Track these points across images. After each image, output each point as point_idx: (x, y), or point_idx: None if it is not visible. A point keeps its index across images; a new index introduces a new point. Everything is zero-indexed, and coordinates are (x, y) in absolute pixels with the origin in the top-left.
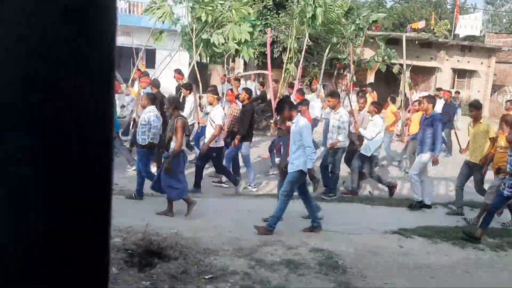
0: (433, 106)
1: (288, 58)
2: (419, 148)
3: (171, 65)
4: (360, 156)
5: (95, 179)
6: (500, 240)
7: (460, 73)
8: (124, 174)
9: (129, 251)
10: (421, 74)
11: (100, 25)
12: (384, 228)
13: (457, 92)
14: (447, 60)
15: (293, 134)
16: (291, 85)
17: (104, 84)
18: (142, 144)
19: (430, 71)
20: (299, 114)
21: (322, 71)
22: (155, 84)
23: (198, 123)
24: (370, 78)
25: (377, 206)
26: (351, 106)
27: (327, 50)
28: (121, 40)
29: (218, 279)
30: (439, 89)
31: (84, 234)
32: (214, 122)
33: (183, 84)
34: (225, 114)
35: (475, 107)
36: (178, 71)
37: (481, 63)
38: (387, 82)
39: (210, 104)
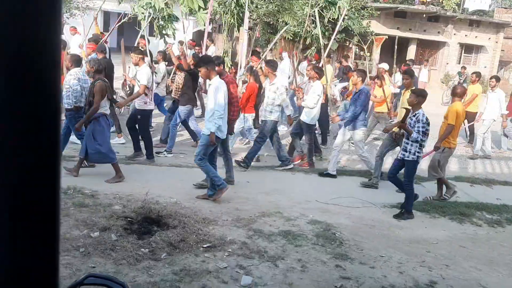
0: (363, 81)
1: None
2: (352, 125)
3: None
4: (299, 122)
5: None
6: (498, 216)
7: (467, 48)
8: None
9: (129, 219)
10: (428, 48)
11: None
12: (382, 202)
13: (463, 68)
14: (454, 34)
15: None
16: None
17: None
18: (67, 107)
19: (437, 45)
20: (217, 75)
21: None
22: (101, 49)
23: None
24: (377, 51)
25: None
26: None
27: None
28: (125, 7)
29: (216, 248)
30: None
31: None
32: (139, 82)
33: (159, 51)
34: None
35: (409, 75)
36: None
37: (489, 38)
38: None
39: (136, 64)
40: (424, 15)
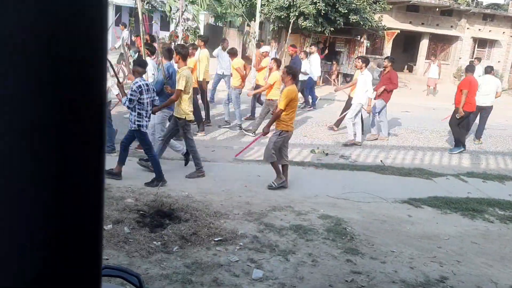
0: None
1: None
2: None
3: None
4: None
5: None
6: (510, 212)
7: (481, 43)
8: None
9: (141, 212)
10: (441, 43)
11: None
12: (393, 197)
13: (477, 59)
14: (467, 28)
15: None
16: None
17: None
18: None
19: (450, 40)
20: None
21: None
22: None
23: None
24: (388, 45)
25: (388, 175)
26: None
27: None
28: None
29: (228, 241)
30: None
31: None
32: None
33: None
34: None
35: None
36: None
37: (503, 32)
38: (405, 49)
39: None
40: (437, 9)
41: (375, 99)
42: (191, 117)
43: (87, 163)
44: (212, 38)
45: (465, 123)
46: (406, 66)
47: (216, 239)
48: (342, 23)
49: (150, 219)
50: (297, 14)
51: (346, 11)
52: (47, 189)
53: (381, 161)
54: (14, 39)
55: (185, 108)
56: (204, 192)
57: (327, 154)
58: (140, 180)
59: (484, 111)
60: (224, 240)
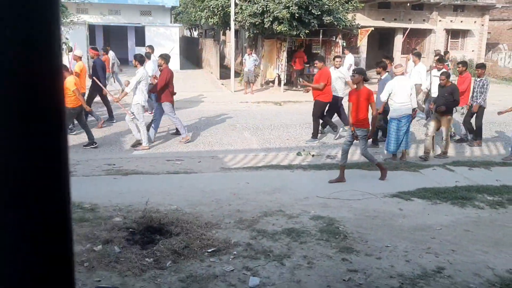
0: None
1: None
2: None
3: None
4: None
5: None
6: (499, 197)
7: (454, 34)
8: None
9: (131, 230)
10: (414, 37)
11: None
12: (383, 192)
13: (446, 52)
14: (439, 21)
15: None
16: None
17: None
18: None
19: (423, 33)
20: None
21: None
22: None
23: None
24: (362, 43)
25: (375, 171)
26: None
27: None
28: (109, 19)
29: (221, 251)
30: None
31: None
32: None
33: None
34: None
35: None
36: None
37: (474, 22)
38: (380, 46)
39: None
40: (408, 4)
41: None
42: None
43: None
44: (189, 50)
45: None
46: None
47: (209, 250)
48: (316, 25)
49: (140, 236)
50: (271, 19)
51: (319, 12)
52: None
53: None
54: None
55: None
56: (194, 203)
57: (313, 156)
58: (127, 196)
59: None
60: (218, 250)
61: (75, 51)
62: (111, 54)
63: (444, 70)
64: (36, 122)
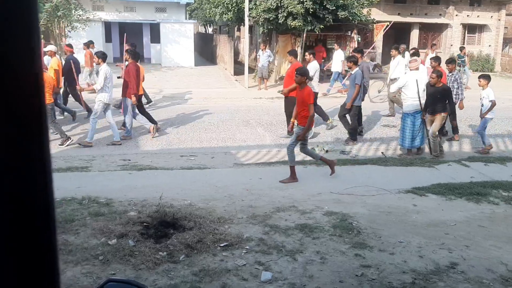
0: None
1: None
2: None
3: (176, 38)
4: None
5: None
6: None
7: (470, 28)
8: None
9: (145, 224)
10: (431, 32)
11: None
12: (397, 188)
13: (462, 48)
14: (456, 15)
15: None
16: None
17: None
18: None
19: (440, 28)
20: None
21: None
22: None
23: None
24: (378, 38)
25: (390, 167)
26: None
27: None
28: (125, 16)
29: (234, 246)
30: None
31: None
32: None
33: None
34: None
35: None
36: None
37: (491, 16)
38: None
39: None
40: None
41: None
42: None
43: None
44: (203, 46)
45: None
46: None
47: (222, 245)
48: (331, 20)
49: (154, 230)
50: (285, 14)
51: (334, 7)
52: None
53: (382, 153)
54: None
55: None
56: (207, 199)
57: (327, 151)
58: (141, 191)
59: None
60: (230, 245)
61: (48, 46)
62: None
63: (438, 69)
64: (18, 121)
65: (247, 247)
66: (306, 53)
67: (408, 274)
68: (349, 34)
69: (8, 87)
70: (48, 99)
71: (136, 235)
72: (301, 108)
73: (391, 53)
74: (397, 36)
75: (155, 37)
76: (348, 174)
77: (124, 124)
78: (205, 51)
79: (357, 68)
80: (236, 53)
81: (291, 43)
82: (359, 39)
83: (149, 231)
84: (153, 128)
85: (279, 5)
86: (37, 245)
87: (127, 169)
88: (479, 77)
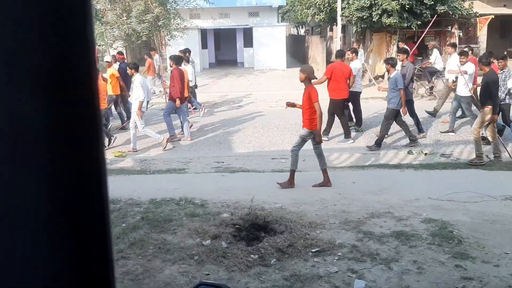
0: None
1: None
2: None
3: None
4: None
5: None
6: None
7: None
8: None
9: (237, 226)
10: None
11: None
12: (504, 194)
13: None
14: None
15: None
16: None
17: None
18: None
19: None
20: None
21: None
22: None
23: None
24: (482, 33)
25: (496, 171)
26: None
27: None
28: (220, 22)
29: (325, 252)
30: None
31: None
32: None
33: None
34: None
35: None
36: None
37: None
38: (502, 35)
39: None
40: None
41: None
42: None
43: (85, 161)
44: (295, 48)
45: None
46: (505, 52)
47: (313, 250)
48: (429, 16)
49: (246, 232)
50: (379, 12)
51: (433, 2)
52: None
53: (487, 156)
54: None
55: None
56: (298, 202)
57: (426, 154)
58: (234, 193)
59: None
60: (322, 250)
61: (105, 57)
62: (156, 56)
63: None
64: (75, 124)
65: (340, 253)
66: (347, 51)
67: None
68: (449, 29)
69: (70, 94)
70: (103, 104)
71: (229, 236)
72: (305, 108)
73: (446, 50)
74: (502, 30)
75: (248, 41)
76: (448, 178)
77: (181, 128)
78: (297, 53)
79: (396, 71)
80: (329, 54)
81: (386, 41)
82: (461, 34)
83: (241, 233)
84: (165, 140)
85: (373, 3)
86: (92, 234)
87: (220, 171)
88: None
